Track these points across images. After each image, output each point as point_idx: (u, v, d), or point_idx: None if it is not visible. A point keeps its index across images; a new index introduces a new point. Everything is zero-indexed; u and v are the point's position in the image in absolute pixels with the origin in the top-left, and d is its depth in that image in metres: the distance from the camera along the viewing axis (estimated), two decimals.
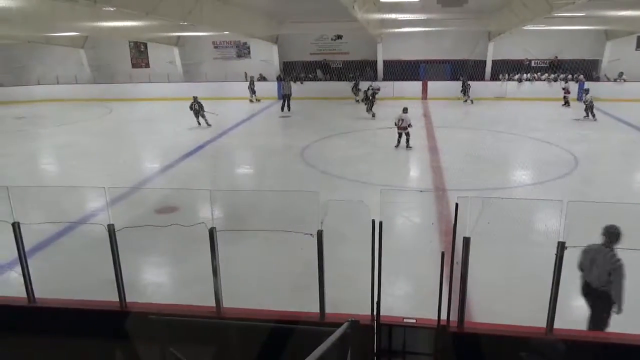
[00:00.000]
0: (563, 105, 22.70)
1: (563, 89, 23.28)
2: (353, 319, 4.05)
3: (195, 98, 19.24)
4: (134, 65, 29.77)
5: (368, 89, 21.88)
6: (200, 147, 15.86)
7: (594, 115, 19.14)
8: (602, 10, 17.60)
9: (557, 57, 25.57)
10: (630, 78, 24.08)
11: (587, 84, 22.97)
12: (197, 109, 19.08)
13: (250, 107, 24.06)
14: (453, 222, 4.10)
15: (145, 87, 27.71)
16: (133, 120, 22.48)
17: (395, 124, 14.72)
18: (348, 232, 6.85)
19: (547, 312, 4.21)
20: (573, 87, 23.62)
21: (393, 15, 21.08)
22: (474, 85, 24.47)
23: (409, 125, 14.51)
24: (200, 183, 11.98)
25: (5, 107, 26.32)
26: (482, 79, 25.76)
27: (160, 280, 7.39)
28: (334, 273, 4.65)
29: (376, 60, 26.95)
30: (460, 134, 17.52)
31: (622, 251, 4.83)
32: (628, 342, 4.27)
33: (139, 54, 29.70)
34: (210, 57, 29.01)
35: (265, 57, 28.13)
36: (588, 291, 5.22)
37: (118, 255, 4.67)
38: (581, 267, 5.21)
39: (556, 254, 4.03)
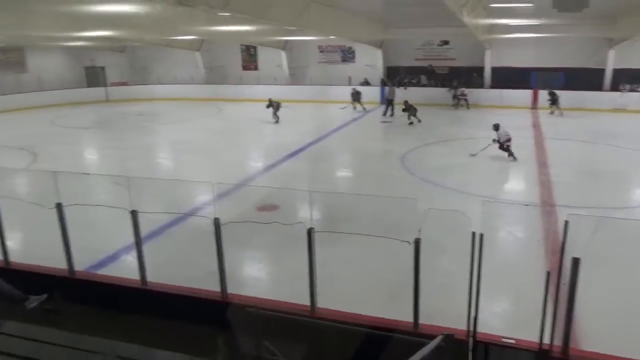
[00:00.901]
0: None
1: None
2: (448, 332, 3.92)
3: (270, 100, 21.04)
4: (244, 68, 31.32)
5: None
6: (302, 148, 16.23)
7: None
8: None
9: None
10: None
11: None
12: (276, 106, 20.88)
13: (352, 111, 24.26)
14: (562, 240, 3.83)
15: (253, 88, 28.94)
16: (239, 120, 23.62)
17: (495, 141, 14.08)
18: (446, 243, 6.67)
19: None
20: None
21: (504, 21, 20.25)
22: (589, 95, 22.77)
23: (508, 140, 13.83)
24: (300, 183, 12.26)
25: (129, 104, 28.96)
26: (599, 88, 23.82)
27: (259, 275, 7.67)
28: (429, 283, 4.55)
29: (484, 67, 26.03)
30: (574, 146, 16.37)
31: None
32: None
33: (249, 57, 31.19)
34: (316, 61, 29.70)
35: (370, 61, 28.20)
36: None
37: (222, 248, 4.92)
38: None
39: None
